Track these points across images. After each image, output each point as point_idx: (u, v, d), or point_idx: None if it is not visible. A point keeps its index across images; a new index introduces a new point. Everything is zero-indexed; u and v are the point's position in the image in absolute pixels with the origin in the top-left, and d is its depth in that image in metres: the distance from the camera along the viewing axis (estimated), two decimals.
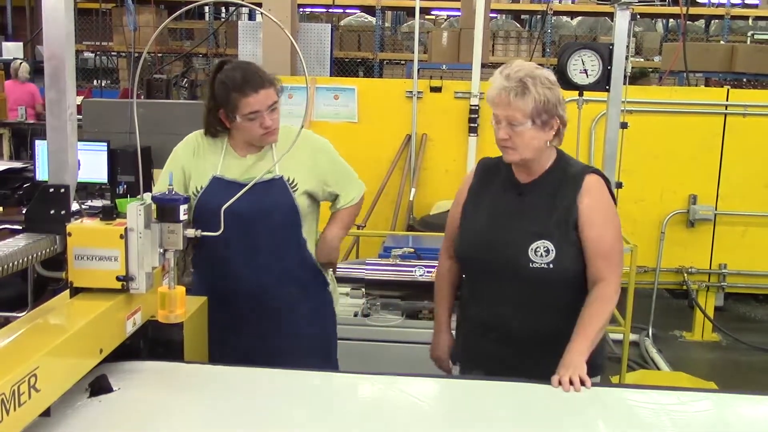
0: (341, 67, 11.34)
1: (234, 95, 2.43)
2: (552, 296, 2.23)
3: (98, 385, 1.81)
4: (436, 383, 2.04)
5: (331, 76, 6.50)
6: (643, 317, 5.19)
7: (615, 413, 1.88)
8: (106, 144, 4.86)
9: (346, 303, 3.38)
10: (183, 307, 1.97)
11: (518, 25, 13.86)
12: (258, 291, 2.55)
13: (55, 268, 1.98)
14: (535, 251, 2.17)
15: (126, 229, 1.88)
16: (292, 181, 2.55)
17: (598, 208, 2.23)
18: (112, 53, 13.35)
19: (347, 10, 14.19)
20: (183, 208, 1.95)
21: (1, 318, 4.21)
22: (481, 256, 2.29)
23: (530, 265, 2.16)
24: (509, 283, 2.23)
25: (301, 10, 11.44)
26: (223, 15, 14.31)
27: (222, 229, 2.03)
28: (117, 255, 1.88)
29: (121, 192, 4.98)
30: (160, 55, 12.48)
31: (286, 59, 5.70)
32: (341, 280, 3.27)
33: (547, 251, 2.17)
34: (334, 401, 1.93)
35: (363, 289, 3.32)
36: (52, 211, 1.93)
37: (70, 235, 1.89)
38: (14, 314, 4.15)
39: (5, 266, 1.72)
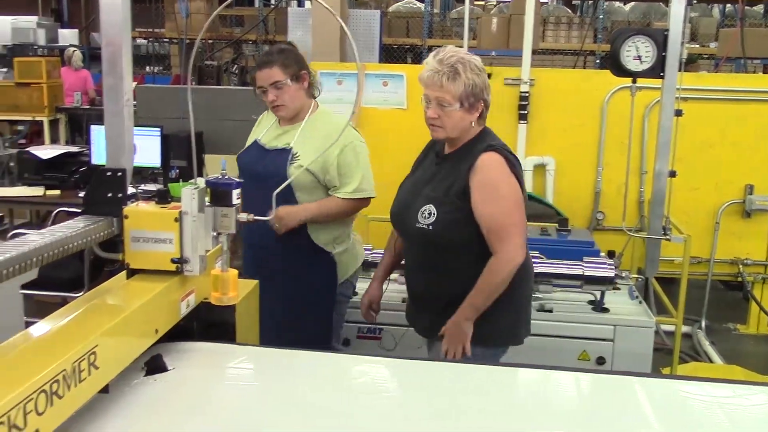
0: (389, 54, 11.31)
1: (252, 74, 2.97)
2: (439, 258, 2.48)
3: (154, 364, 1.86)
4: (501, 372, 2.03)
5: (379, 62, 6.49)
6: (696, 309, 5.10)
7: (666, 405, 1.85)
8: (159, 129, 4.94)
9: (394, 289, 3.39)
10: (236, 289, 2.01)
11: (569, 10, 13.63)
12: (260, 249, 2.94)
13: (112, 249, 2.02)
14: (422, 213, 2.43)
15: (180, 212, 1.91)
16: (296, 154, 2.86)
17: (486, 184, 2.39)
18: (164, 39, 13.53)
19: None
20: (236, 192, 1.98)
21: (58, 298, 4.33)
22: (396, 217, 2.60)
23: (416, 225, 2.43)
24: (410, 244, 2.58)
25: None
26: (272, 1, 14.39)
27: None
28: (172, 238, 1.92)
29: (173, 176, 5.08)
30: (210, 41, 12.61)
31: (335, 45, 5.71)
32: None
33: (430, 214, 2.42)
34: (383, 386, 1.94)
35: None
36: (109, 194, 1.97)
37: (126, 217, 1.94)
38: (71, 294, 4.27)
39: (65, 247, 1.77)
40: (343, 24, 1.99)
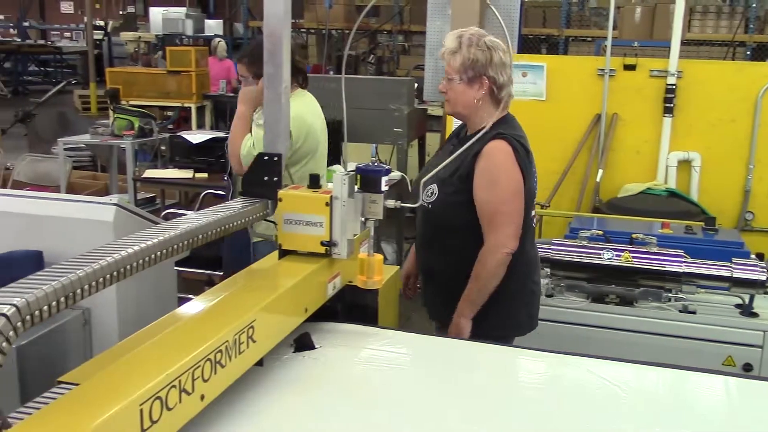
0: (524, 44, 11.14)
1: None
2: (438, 237, 2.54)
3: (302, 342, 1.94)
4: (630, 369, 1.98)
5: (518, 53, 6.41)
6: None
7: None
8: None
9: None
10: (381, 274, 2.07)
11: None
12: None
13: (265, 230, 2.12)
14: (426, 191, 2.50)
15: (331, 197, 1.98)
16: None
17: (487, 171, 2.42)
18: (302, 30, 13.91)
19: None
20: (385, 179, 2.03)
21: (203, 275, 4.58)
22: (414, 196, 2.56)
23: (419, 202, 2.43)
24: (417, 221, 2.64)
25: None
26: None
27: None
28: (322, 221, 2.00)
29: None
30: (347, 31, 12.86)
31: None
32: None
33: (433, 193, 2.49)
34: (519, 376, 1.94)
35: (547, 269, 3.29)
36: (265, 178, 2.07)
37: (281, 200, 2.03)
38: (215, 272, 4.50)
39: (225, 227, 1.87)
40: (497, 12, 1.99)
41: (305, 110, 3.34)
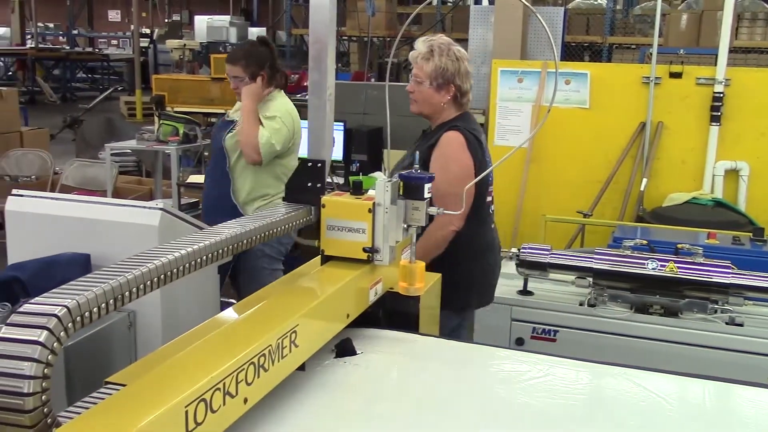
0: (567, 52, 11.05)
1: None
2: None
3: (343, 347, 1.94)
4: (675, 380, 1.95)
5: (561, 60, 6.37)
6: None
7: None
8: (343, 124, 5.14)
9: (570, 291, 3.34)
10: (422, 281, 2.06)
11: (767, 6, 12.68)
12: (208, 209, 3.61)
13: (308, 236, 2.13)
14: None
15: (374, 204, 1.98)
16: (235, 125, 3.65)
17: (441, 157, 2.69)
18: (344, 37, 13.99)
19: None
20: (427, 186, 2.03)
21: None
22: None
23: None
24: None
25: None
26: (450, 0, 14.49)
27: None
28: (365, 228, 1.99)
29: (354, 170, 5.26)
30: (389, 39, 12.90)
31: (517, 43, 5.68)
32: (567, 268, 3.23)
33: None
34: (561, 386, 1.91)
35: (590, 279, 3.25)
36: (309, 184, 2.08)
37: (324, 206, 2.03)
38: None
39: (269, 232, 1.88)
40: (542, 20, 1.98)
41: (292, 107, 3.77)
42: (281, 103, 3.72)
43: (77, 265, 2.66)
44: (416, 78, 2.73)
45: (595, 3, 12.84)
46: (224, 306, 3.67)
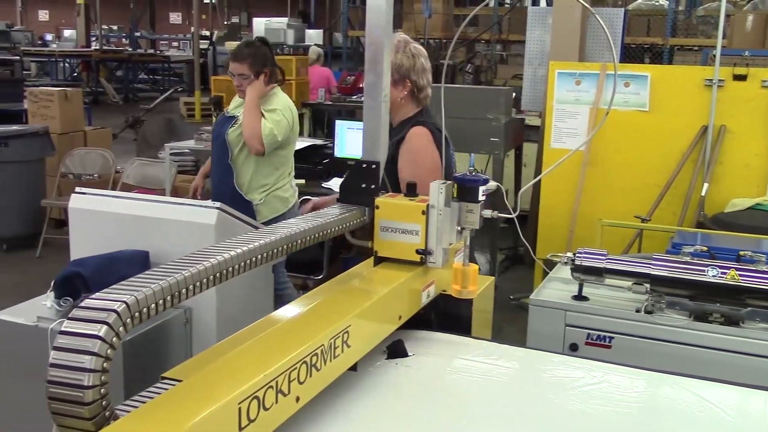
0: (626, 53, 10.86)
1: (229, 58, 4.05)
2: None
3: (395, 349, 1.95)
4: (735, 391, 1.90)
5: (620, 62, 6.27)
6: None
7: None
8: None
9: (626, 297, 3.28)
10: (475, 284, 2.04)
11: None
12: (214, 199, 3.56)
13: (361, 237, 2.13)
14: None
15: (428, 205, 1.98)
16: (237, 120, 3.91)
17: (410, 152, 2.77)
18: None
19: None
20: (482, 189, 2.01)
21: (299, 279, 4.67)
22: None
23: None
24: None
25: None
26: (507, 2, 14.38)
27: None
28: (418, 229, 1.99)
29: None
30: (444, 41, 12.87)
31: (575, 45, 5.61)
32: (624, 274, 3.17)
33: None
34: (615, 394, 1.88)
35: (647, 285, 3.18)
36: (363, 185, 2.09)
37: (377, 207, 2.04)
38: (311, 277, 4.58)
39: (324, 232, 1.89)
40: (602, 23, 1.95)
41: (290, 101, 4.07)
42: (281, 98, 4.03)
43: (136, 262, 2.72)
44: None
45: (657, 4, 12.60)
46: (278, 304, 3.72)
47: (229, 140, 3.93)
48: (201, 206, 2.81)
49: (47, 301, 2.66)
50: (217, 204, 2.78)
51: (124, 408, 1.31)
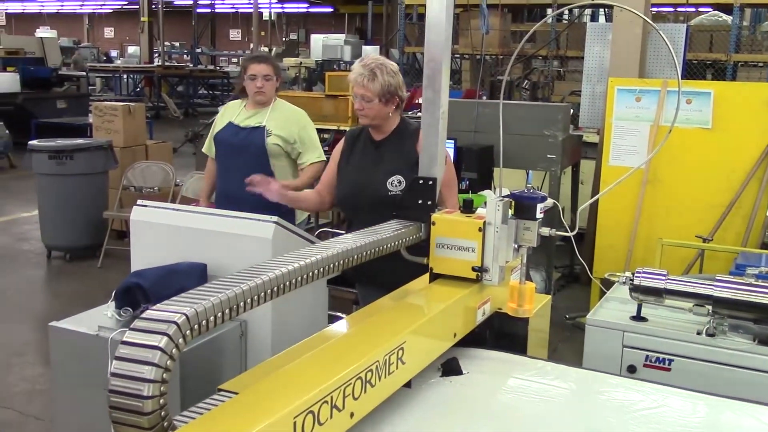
0: (688, 70, 10.65)
1: (245, 62, 4.11)
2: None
3: (449, 366, 1.93)
4: None
5: (682, 78, 6.16)
6: None
7: None
8: (453, 141, 5.13)
9: (687, 319, 3.20)
10: (531, 302, 2.02)
11: None
12: (232, 199, 3.65)
13: (417, 253, 2.12)
14: (391, 183, 2.97)
15: (485, 222, 1.96)
16: (269, 131, 4.00)
17: None
18: (456, 55, 14.00)
19: (699, 8, 13.30)
20: (540, 206, 1.99)
21: (351, 294, 4.66)
22: (353, 195, 3.11)
23: (389, 194, 2.93)
24: (374, 211, 2.64)
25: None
26: (565, 18, 14.25)
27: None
28: (474, 246, 1.98)
29: (463, 188, 5.23)
30: (501, 57, 12.82)
31: (635, 61, 5.53)
32: (685, 295, 3.09)
33: (400, 182, 2.95)
34: (675, 417, 1.83)
35: (709, 307, 3.10)
36: (420, 201, 2.09)
37: (434, 224, 2.03)
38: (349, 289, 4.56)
39: (380, 248, 1.89)
40: (663, 35, 1.91)
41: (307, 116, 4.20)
42: (293, 109, 4.19)
43: (195, 274, 2.76)
44: (365, 98, 3.03)
45: (720, 19, 12.34)
46: (332, 319, 3.72)
47: (270, 151, 4.02)
48: (258, 220, 2.83)
49: (108, 310, 2.72)
50: (274, 218, 2.80)
51: (181, 419, 1.32)
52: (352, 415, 1.45)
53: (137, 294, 2.65)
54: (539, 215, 1.99)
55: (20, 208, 9.04)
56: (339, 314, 4.69)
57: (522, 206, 1.99)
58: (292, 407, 1.28)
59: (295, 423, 1.28)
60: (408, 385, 1.73)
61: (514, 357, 2.08)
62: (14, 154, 11.83)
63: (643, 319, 3.15)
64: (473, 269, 1.99)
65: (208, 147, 4.36)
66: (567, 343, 4.50)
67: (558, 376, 2.01)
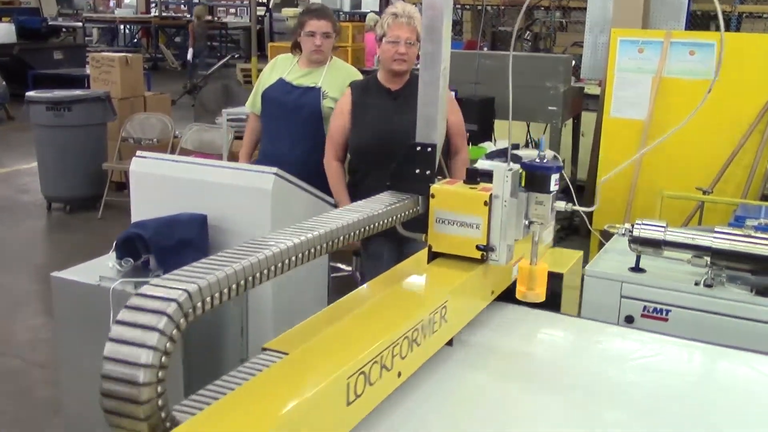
0: (693, 21, 10.50)
1: (303, 17, 3.80)
2: None
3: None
4: None
5: (685, 29, 6.08)
6: None
7: None
8: (454, 93, 5.07)
9: (685, 270, 3.21)
10: (543, 285, 1.80)
11: None
12: (287, 167, 3.31)
13: (414, 228, 1.89)
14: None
15: (491, 195, 1.70)
16: (325, 92, 3.72)
17: (450, 100, 2.99)
18: (457, 6, 13.80)
19: None
20: (555, 177, 1.74)
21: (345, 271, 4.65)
22: (376, 145, 3.12)
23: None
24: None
25: None
26: None
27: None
28: (479, 222, 1.72)
29: None
30: (503, 7, 12.63)
31: (638, 12, 5.46)
32: (684, 246, 3.10)
33: None
34: (673, 367, 1.85)
35: (707, 258, 3.11)
36: (417, 171, 1.85)
37: (433, 196, 1.78)
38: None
39: (372, 225, 1.68)
40: None
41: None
42: (350, 70, 3.93)
43: (195, 225, 2.76)
44: (409, 41, 3.10)
45: None
46: (334, 270, 3.69)
47: (326, 114, 3.69)
48: (258, 171, 2.82)
49: (109, 261, 2.74)
50: (274, 169, 2.78)
51: (230, 379, 1.29)
52: (399, 374, 1.43)
53: (138, 244, 2.66)
54: (554, 187, 1.73)
55: (19, 160, 9.02)
56: (340, 265, 4.71)
57: (534, 177, 1.73)
58: (346, 368, 1.25)
59: (348, 384, 1.26)
60: (450, 343, 1.68)
61: (548, 314, 2.04)
62: (12, 105, 11.75)
63: (642, 270, 3.17)
64: (477, 248, 1.73)
65: (252, 102, 4.05)
66: None
67: (588, 331, 2.02)
